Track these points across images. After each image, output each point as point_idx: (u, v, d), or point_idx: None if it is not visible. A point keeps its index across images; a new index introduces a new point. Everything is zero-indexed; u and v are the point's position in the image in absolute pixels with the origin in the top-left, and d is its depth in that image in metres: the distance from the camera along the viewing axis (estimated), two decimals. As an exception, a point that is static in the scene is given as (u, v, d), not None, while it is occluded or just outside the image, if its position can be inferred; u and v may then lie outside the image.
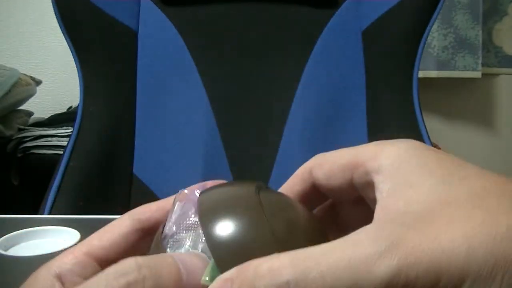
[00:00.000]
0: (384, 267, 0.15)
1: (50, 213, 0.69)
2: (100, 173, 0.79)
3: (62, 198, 0.71)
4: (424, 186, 0.18)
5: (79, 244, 0.22)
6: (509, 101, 1.74)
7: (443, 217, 0.16)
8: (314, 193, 0.23)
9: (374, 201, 0.19)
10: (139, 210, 0.24)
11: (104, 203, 0.78)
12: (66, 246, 0.49)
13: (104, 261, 0.22)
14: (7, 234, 0.50)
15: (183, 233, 0.21)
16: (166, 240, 0.21)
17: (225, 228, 0.19)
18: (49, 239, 0.52)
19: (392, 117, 0.85)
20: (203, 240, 0.20)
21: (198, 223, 0.20)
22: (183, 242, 0.21)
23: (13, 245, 0.50)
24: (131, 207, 0.88)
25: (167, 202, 0.24)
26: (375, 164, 0.19)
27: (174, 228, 0.21)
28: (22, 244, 0.50)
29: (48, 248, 0.48)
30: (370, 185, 0.20)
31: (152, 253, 0.21)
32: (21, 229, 0.51)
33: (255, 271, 0.16)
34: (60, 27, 0.80)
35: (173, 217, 0.22)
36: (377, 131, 0.87)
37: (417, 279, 0.15)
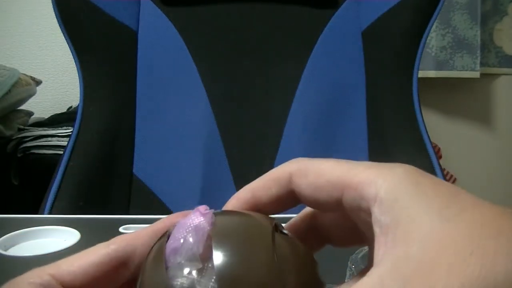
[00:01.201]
0: None
1: (50, 213, 0.69)
2: (100, 173, 0.79)
3: (62, 198, 0.71)
4: (423, 222, 0.18)
5: (49, 265, 0.22)
6: (510, 101, 1.74)
7: (442, 266, 0.16)
8: (290, 199, 0.23)
9: (365, 224, 0.20)
10: (116, 239, 0.23)
11: (104, 203, 0.78)
12: (66, 246, 0.49)
13: (71, 287, 0.21)
14: (7, 234, 0.50)
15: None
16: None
17: (236, 266, 0.19)
18: (49, 239, 0.52)
19: (392, 117, 0.85)
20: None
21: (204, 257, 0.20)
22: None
23: (13, 245, 0.50)
24: (131, 207, 0.88)
25: (146, 232, 0.23)
26: (371, 191, 0.19)
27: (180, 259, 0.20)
28: (22, 244, 0.50)
29: (48, 248, 0.48)
30: (364, 211, 0.20)
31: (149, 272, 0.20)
32: (21, 229, 0.51)
33: None
34: (60, 27, 0.80)
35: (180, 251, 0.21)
36: (377, 131, 0.87)
37: None
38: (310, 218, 0.25)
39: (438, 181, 0.19)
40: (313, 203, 0.22)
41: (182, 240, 0.20)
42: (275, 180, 0.23)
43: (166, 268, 0.20)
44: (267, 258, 0.19)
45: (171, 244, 0.20)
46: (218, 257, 0.19)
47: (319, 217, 0.25)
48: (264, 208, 0.23)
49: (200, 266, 0.19)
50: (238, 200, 0.24)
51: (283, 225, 0.23)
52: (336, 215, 0.24)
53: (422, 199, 0.18)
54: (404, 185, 0.19)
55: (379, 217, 0.19)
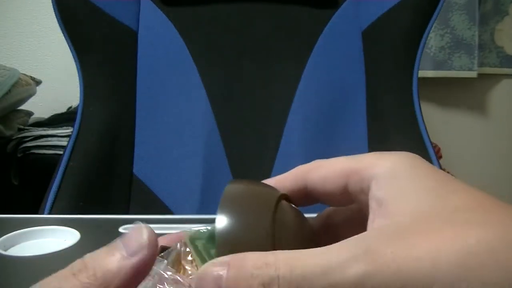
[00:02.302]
0: (354, 270, 0.17)
1: (50, 213, 0.69)
2: (100, 173, 0.79)
3: (62, 198, 0.71)
4: (412, 198, 0.19)
5: None
6: (510, 101, 1.74)
7: (420, 231, 0.18)
8: (303, 195, 0.25)
9: (367, 207, 0.21)
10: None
11: (104, 203, 0.78)
12: (66, 246, 0.49)
13: None
14: (7, 234, 0.50)
15: None
16: None
17: (236, 220, 0.21)
18: (49, 239, 0.52)
19: (392, 117, 0.85)
20: None
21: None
22: None
23: (13, 245, 0.50)
24: (131, 207, 0.88)
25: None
26: (371, 172, 0.21)
27: None
28: (22, 244, 0.50)
29: (48, 248, 0.48)
30: (364, 192, 0.21)
31: None
32: (21, 229, 0.51)
33: (254, 263, 0.19)
34: (60, 27, 0.80)
35: None
36: (377, 131, 0.87)
37: (383, 283, 0.17)
38: (325, 217, 0.27)
39: (436, 168, 0.21)
40: (323, 195, 0.24)
41: None
42: (292, 175, 0.25)
43: None
44: (265, 222, 0.21)
45: None
46: (219, 220, 0.21)
47: (332, 216, 0.26)
48: None
49: None
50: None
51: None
52: (349, 214, 0.25)
53: (416, 179, 0.20)
54: (402, 166, 0.21)
55: (375, 193, 0.21)
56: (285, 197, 0.23)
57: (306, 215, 0.25)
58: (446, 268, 0.16)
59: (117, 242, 0.20)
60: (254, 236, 0.20)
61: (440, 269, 0.16)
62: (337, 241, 0.26)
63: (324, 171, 0.23)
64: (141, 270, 0.20)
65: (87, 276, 0.19)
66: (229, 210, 0.21)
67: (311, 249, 0.19)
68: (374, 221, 0.20)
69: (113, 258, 0.20)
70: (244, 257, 0.19)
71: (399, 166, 0.21)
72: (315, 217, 0.27)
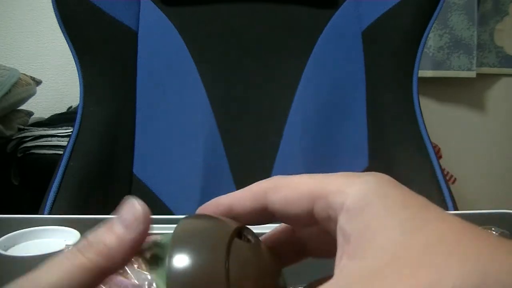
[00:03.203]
0: None
1: (50, 213, 0.69)
2: (100, 173, 0.79)
3: (62, 198, 0.71)
4: (381, 235, 0.18)
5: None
6: (509, 101, 1.74)
7: (392, 275, 0.16)
8: (263, 215, 0.23)
9: (335, 234, 0.20)
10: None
11: (104, 203, 0.78)
12: (66, 246, 0.49)
13: None
14: (7, 234, 0.50)
15: None
16: None
17: (187, 263, 0.20)
18: (49, 239, 0.52)
19: (392, 116, 0.85)
20: None
21: None
22: None
23: (13, 245, 0.50)
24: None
25: None
26: (339, 200, 0.19)
27: None
28: (22, 244, 0.50)
29: (48, 248, 0.48)
30: (332, 219, 0.20)
31: None
32: (21, 229, 0.51)
33: None
34: (60, 27, 0.80)
35: None
36: (377, 131, 0.87)
37: None
38: (289, 231, 0.25)
39: (409, 193, 0.19)
40: (286, 217, 0.22)
41: None
42: (251, 194, 0.23)
43: None
44: (218, 260, 0.20)
45: None
46: (171, 260, 0.20)
47: (297, 231, 0.25)
48: (239, 219, 0.23)
49: None
50: (216, 204, 0.24)
51: (260, 236, 0.23)
52: (314, 229, 0.24)
53: (388, 210, 0.18)
54: (372, 195, 0.19)
55: (343, 226, 0.19)
56: (239, 230, 0.22)
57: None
58: None
59: (115, 219, 0.22)
60: (208, 276, 0.20)
61: None
62: (305, 255, 0.25)
63: (286, 193, 0.22)
64: (139, 243, 0.21)
65: (92, 253, 0.20)
66: (180, 249, 0.20)
67: None
68: (341, 260, 0.19)
69: (113, 236, 0.21)
70: None
71: (367, 196, 0.19)
72: (279, 227, 0.25)
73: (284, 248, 0.25)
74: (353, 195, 0.19)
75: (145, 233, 0.21)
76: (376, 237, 0.18)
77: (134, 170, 0.83)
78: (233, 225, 0.22)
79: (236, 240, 0.21)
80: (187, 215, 0.23)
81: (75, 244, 0.21)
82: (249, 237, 0.23)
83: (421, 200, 0.19)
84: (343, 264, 0.18)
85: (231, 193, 0.24)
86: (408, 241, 0.17)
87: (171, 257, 0.20)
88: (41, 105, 1.54)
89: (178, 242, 0.21)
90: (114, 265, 0.20)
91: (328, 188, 0.20)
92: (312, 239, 0.25)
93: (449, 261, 0.16)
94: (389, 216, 0.18)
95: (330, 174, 0.21)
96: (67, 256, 0.20)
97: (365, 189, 0.19)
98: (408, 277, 0.16)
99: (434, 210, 0.18)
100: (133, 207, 0.22)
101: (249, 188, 0.23)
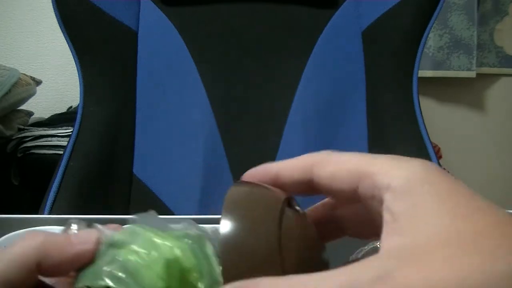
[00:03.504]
0: None
1: (50, 213, 0.69)
2: (100, 173, 0.79)
3: (62, 198, 0.71)
4: (430, 217, 0.18)
5: None
6: (509, 101, 1.74)
7: (440, 255, 0.17)
8: (309, 187, 0.23)
9: (378, 213, 0.20)
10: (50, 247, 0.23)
11: (104, 203, 0.78)
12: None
13: None
14: (7, 234, 0.50)
15: None
16: None
17: (241, 227, 0.20)
18: (49, 239, 0.52)
19: (392, 116, 0.85)
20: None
21: None
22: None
23: (13, 245, 0.50)
24: (131, 207, 0.88)
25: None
26: (386, 181, 0.20)
27: None
28: (22, 244, 0.50)
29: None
30: (376, 199, 0.20)
31: None
32: (21, 229, 0.51)
33: None
34: (60, 27, 0.80)
35: None
36: (377, 131, 0.87)
37: None
38: (330, 207, 0.26)
39: (455, 183, 0.19)
40: (330, 192, 0.23)
41: None
42: (299, 165, 0.24)
43: None
44: (271, 229, 0.20)
45: None
46: (224, 225, 0.20)
47: (338, 208, 0.25)
48: (284, 188, 0.24)
49: None
50: (264, 171, 0.24)
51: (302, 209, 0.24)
52: (355, 207, 0.24)
53: (434, 197, 0.19)
54: (420, 180, 0.19)
55: (390, 205, 0.19)
56: (289, 200, 0.23)
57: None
58: None
59: (69, 232, 0.24)
60: (261, 245, 0.20)
61: None
62: (343, 234, 0.25)
63: (332, 168, 0.22)
64: (80, 260, 0.23)
65: (36, 241, 0.22)
66: (234, 215, 0.20)
67: (323, 273, 0.18)
68: (389, 236, 0.19)
69: (63, 238, 0.23)
70: (257, 285, 0.18)
71: (415, 180, 0.19)
72: (319, 204, 0.26)
73: (323, 224, 0.25)
74: (400, 177, 0.19)
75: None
76: (427, 219, 0.18)
77: (134, 170, 0.83)
78: (282, 194, 0.23)
79: (287, 209, 0.22)
80: (236, 183, 0.23)
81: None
82: (297, 207, 0.23)
83: (467, 189, 0.19)
84: (392, 240, 0.18)
85: (280, 161, 0.24)
86: (457, 226, 0.17)
87: (225, 225, 0.20)
88: (41, 105, 1.54)
89: (231, 209, 0.21)
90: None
91: (375, 168, 0.20)
92: (351, 219, 0.25)
93: (500, 247, 0.16)
94: (437, 202, 0.18)
95: (378, 155, 0.21)
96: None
97: (412, 172, 0.19)
98: (458, 260, 0.16)
99: (481, 200, 0.19)
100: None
101: (298, 159, 0.24)
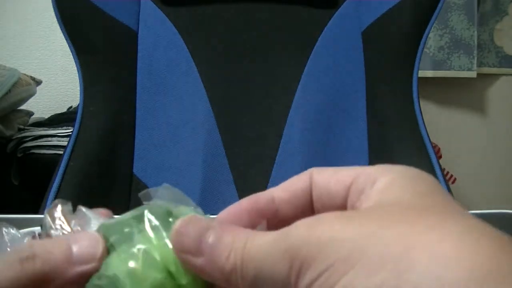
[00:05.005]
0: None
1: (50, 213, 0.69)
2: (100, 173, 0.79)
3: (62, 198, 0.71)
4: (394, 194, 0.20)
5: None
6: (509, 101, 1.74)
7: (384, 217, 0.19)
8: (309, 201, 0.24)
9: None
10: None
11: (104, 203, 0.78)
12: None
13: None
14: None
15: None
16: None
17: None
18: (49, 239, 0.52)
19: (392, 117, 0.85)
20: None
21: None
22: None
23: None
24: (131, 207, 0.88)
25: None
26: (370, 181, 0.21)
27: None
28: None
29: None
30: (365, 193, 0.22)
31: None
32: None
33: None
34: (60, 27, 0.80)
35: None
36: (377, 131, 0.87)
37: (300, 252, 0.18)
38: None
39: (435, 182, 0.21)
40: (324, 195, 0.24)
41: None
42: (298, 187, 0.24)
43: None
44: None
45: None
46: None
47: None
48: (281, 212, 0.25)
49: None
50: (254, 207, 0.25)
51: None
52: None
53: (409, 185, 0.20)
54: (402, 177, 0.21)
55: (373, 197, 0.21)
56: None
57: None
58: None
59: (70, 243, 0.21)
60: None
61: None
62: None
63: (332, 171, 0.24)
64: (85, 277, 0.20)
65: (33, 268, 0.19)
66: None
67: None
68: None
69: (64, 259, 0.20)
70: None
71: (400, 176, 0.21)
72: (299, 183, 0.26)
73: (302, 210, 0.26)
74: (388, 176, 0.21)
75: (96, 269, 0.21)
76: (387, 194, 0.20)
77: (134, 170, 0.83)
78: None
79: None
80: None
81: (20, 248, 0.20)
82: None
83: (447, 193, 0.20)
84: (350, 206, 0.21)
85: (273, 191, 0.25)
86: (413, 201, 0.19)
87: None
88: (41, 105, 1.54)
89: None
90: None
91: (367, 170, 0.22)
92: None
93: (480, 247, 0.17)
94: (410, 188, 0.20)
95: (371, 166, 0.23)
96: (5, 261, 0.19)
97: (398, 171, 0.21)
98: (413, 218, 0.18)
99: (454, 204, 0.20)
100: (95, 243, 0.22)
101: (291, 181, 0.25)
